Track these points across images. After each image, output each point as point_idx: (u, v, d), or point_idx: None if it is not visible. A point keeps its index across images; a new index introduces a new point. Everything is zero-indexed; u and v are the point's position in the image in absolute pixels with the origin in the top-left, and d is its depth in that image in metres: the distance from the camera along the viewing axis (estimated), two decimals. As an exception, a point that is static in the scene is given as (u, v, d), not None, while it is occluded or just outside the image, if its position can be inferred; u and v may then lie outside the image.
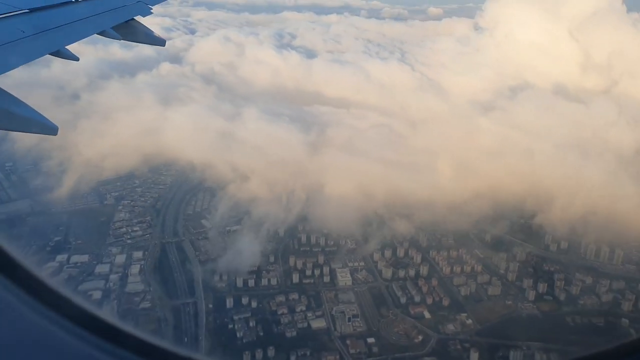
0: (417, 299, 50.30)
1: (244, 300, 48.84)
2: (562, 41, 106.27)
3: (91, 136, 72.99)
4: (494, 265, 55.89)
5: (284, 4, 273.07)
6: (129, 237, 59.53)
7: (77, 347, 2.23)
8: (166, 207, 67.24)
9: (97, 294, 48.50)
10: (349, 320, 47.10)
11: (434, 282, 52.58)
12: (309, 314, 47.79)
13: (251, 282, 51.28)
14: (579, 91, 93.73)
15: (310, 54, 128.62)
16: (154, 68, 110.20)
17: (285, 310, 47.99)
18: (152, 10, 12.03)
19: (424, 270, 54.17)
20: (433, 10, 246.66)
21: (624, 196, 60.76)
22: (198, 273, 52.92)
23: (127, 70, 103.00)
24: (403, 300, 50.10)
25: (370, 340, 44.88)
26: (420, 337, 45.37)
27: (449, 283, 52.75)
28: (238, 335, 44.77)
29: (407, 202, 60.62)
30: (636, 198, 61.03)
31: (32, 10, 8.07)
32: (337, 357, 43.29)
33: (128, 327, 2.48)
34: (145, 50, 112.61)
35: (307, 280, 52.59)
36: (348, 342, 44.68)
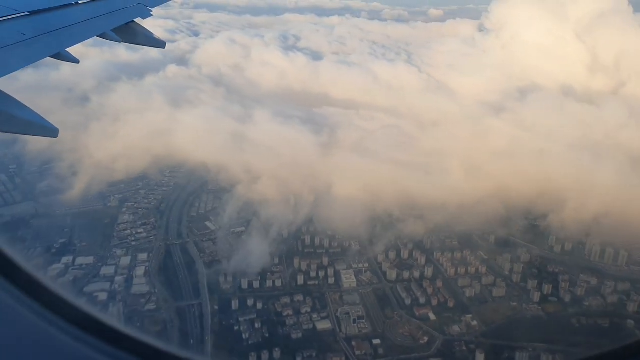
0: (422, 300, 50.32)
1: (249, 302, 48.88)
2: (568, 42, 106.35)
3: (101, 138, 73.45)
4: (498, 267, 55.93)
5: (285, 6, 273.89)
6: (133, 239, 59.67)
7: (76, 349, 2.23)
8: (170, 209, 67.37)
9: (103, 296, 48.71)
10: (354, 321, 47.15)
11: (439, 283, 52.61)
12: (314, 316, 47.85)
13: (256, 284, 51.35)
14: (586, 92, 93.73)
15: (316, 56, 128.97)
16: (161, 70, 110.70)
17: (291, 312, 48.06)
18: (152, 13, 12.07)
19: (428, 271, 54.18)
20: (434, 11, 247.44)
21: (636, 198, 60.57)
22: (203, 275, 52.99)
23: (134, 72, 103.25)
24: (408, 301, 50.13)
25: (376, 341, 44.92)
26: (426, 339, 45.44)
27: (453, 284, 52.75)
28: (244, 336, 44.82)
29: (415, 203, 60.68)
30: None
31: (32, 13, 8.09)
32: (343, 358, 43.33)
33: (128, 329, 2.48)
34: (151, 52, 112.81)
35: (312, 282, 52.65)
36: (353, 343, 44.72)
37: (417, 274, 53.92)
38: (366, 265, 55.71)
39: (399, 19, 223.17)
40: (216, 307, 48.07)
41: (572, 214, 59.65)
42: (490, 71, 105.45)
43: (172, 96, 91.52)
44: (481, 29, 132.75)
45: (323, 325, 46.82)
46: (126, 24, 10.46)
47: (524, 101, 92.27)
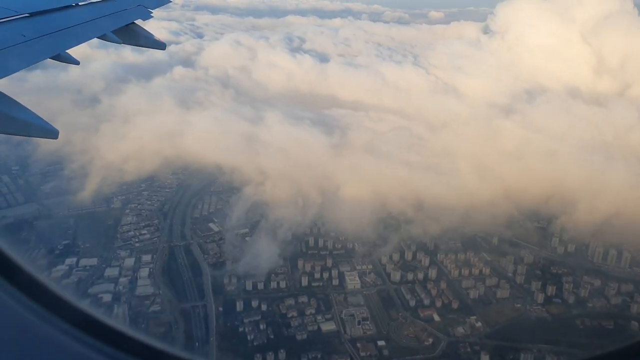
0: (426, 302, 50.37)
1: (254, 303, 48.89)
2: (574, 44, 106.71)
3: (109, 140, 73.53)
4: (501, 268, 55.99)
5: (285, 8, 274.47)
6: (137, 240, 59.64)
7: (78, 351, 2.23)
8: (173, 211, 67.39)
9: (107, 297, 48.67)
10: (359, 323, 47.17)
11: (443, 285, 52.69)
12: (319, 317, 47.85)
13: (260, 285, 51.35)
14: (592, 94, 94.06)
15: (322, 58, 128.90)
16: (168, 72, 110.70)
17: (295, 313, 48.06)
18: (152, 14, 12.12)
19: (432, 273, 54.26)
20: (434, 14, 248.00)
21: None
22: (207, 276, 53.00)
23: (141, 73, 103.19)
24: (412, 303, 50.16)
25: (381, 343, 44.95)
26: (431, 340, 45.45)
27: (457, 286, 52.82)
28: (249, 338, 44.82)
29: (424, 205, 60.67)
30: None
31: (32, 14, 8.08)
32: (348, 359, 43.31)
33: (128, 330, 2.48)
34: (156, 54, 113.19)
35: (316, 284, 52.68)
36: (358, 345, 44.71)
37: (421, 276, 53.98)
38: (370, 266, 55.72)
39: (399, 21, 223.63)
40: (220, 309, 48.05)
41: (582, 215, 59.79)
42: (497, 73, 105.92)
43: (181, 98, 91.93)
44: (486, 31, 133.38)
45: (328, 326, 46.85)
46: (126, 25, 10.53)
47: (532, 103, 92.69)
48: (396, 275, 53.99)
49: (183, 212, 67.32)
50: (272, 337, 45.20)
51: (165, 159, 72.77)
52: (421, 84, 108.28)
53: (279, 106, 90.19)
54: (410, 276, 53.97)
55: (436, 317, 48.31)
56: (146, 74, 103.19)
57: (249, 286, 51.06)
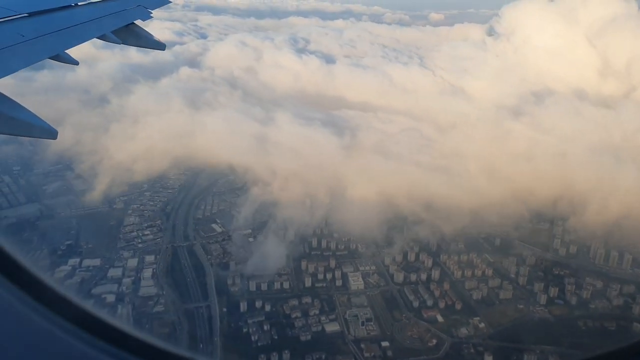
0: (429, 302, 50.48)
1: (257, 304, 48.95)
2: (579, 47, 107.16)
3: (116, 140, 73.64)
4: (504, 269, 56.15)
5: (286, 9, 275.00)
6: (139, 241, 59.64)
7: (80, 349, 2.23)
8: (176, 211, 67.42)
9: (111, 298, 48.67)
10: (363, 324, 47.28)
11: (446, 286, 52.80)
12: (323, 318, 47.93)
13: (264, 286, 51.40)
14: (598, 96, 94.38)
15: (328, 59, 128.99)
16: (174, 72, 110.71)
17: (299, 314, 48.11)
18: (151, 15, 12.12)
19: (435, 274, 54.39)
20: (434, 15, 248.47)
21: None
22: (210, 277, 53.03)
23: (147, 74, 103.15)
24: (416, 304, 50.29)
25: (385, 344, 45.04)
26: (434, 341, 45.57)
27: (460, 287, 52.96)
28: (253, 338, 44.86)
29: (431, 206, 60.76)
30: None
31: (31, 14, 8.07)
32: (352, 360, 43.42)
33: (131, 329, 2.49)
34: (162, 54, 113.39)
35: (320, 284, 52.75)
36: (362, 345, 44.84)
37: (424, 277, 54.11)
38: (373, 267, 55.85)
39: (400, 23, 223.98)
40: (224, 309, 48.09)
41: (591, 216, 60.02)
42: (504, 75, 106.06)
43: (189, 98, 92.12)
44: (490, 33, 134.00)
45: (331, 327, 46.93)
46: (126, 25, 10.52)
47: (540, 105, 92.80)
48: (399, 276, 54.11)
49: (186, 212, 67.35)
50: (276, 337, 45.24)
51: (174, 160, 72.95)
52: (428, 86, 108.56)
53: (288, 107, 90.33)
54: (413, 277, 54.09)
55: (439, 318, 48.43)
56: (152, 74, 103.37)
57: (252, 287, 51.10)
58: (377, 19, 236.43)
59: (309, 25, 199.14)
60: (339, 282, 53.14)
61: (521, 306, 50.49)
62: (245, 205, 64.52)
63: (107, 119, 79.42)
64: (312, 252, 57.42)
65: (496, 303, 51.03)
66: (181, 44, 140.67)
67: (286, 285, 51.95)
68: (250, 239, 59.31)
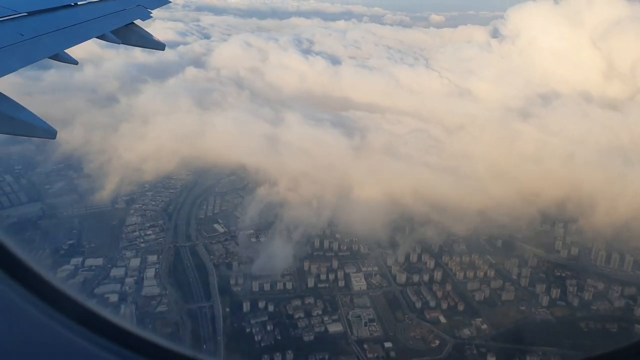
0: (432, 303, 50.59)
1: (260, 304, 49.01)
2: (584, 49, 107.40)
3: (121, 140, 73.75)
4: (506, 271, 56.29)
5: (287, 9, 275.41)
6: (142, 240, 59.65)
7: (80, 346, 2.24)
8: (178, 211, 67.45)
9: (114, 297, 48.68)
10: (366, 324, 47.33)
11: (448, 287, 52.94)
12: (326, 318, 47.98)
13: (267, 286, 51.45)
14: (603, 98, 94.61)
15: (333, 60, 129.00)
16: (180, 72, 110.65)
17: (302, 314, 48.16)
18: (151, 15, 12.09)
19: (437, 275, 54.53)
20: (435, 17, 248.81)
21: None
22: (213, 277, 53.07)
23: (154, 74, 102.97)
24: (418, 305, 50.39)
25: (388, 344, 45.11)
26: (437, 342, 45.67)
27: (462, 288, 53.10)
28: (256, 338, 44.91)
29: (437, 207, 60.81)
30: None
31: (31, 13, 8.05)
32: (355, 361, 43.51)
33: (130, 326, 2.50)
34: (167, 54, 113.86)
35: (322, 285, 52.83)
36: (365, 346, 44.90)
37: (426, 278, 54.24)
38: (375, 268, 55.95)
39: (401, 24, 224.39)
40: (227, 309, 48.14)
41: (600, 217, 60.09)
42: (510, 76, 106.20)
43: (197, 98, 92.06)
44: (495, 34, 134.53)
45: (334, 327, 46.99)
46: (125, 25, 10.49)
47: (547, 106, 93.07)
48: (402, 277, 54.23)
49: (188, 212, 67.37)
50: (279, 337, 45.31)
51: (182, 160, 73.07)
52: (435, 87, 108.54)
53: (296, 107, 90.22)
54: (415, 278, 54.21)
55: (442, 319, 48.53)
56: (158, 74, 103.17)
57: (255, 287, 51.12)
58: (377, 20, 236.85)
59: (311, 26, 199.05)
60: (341, 283, 53.22)
61: (523, 307, 50.61)
62: (249, 205, 64.67)
63: (113, 119, 79.55)
64: (315, 253, 57.43)
65: (498, 304, 51.16)
66: (185, 44, 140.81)
67: (289, 285, 52.02)
68: (253, 239, 59.38)
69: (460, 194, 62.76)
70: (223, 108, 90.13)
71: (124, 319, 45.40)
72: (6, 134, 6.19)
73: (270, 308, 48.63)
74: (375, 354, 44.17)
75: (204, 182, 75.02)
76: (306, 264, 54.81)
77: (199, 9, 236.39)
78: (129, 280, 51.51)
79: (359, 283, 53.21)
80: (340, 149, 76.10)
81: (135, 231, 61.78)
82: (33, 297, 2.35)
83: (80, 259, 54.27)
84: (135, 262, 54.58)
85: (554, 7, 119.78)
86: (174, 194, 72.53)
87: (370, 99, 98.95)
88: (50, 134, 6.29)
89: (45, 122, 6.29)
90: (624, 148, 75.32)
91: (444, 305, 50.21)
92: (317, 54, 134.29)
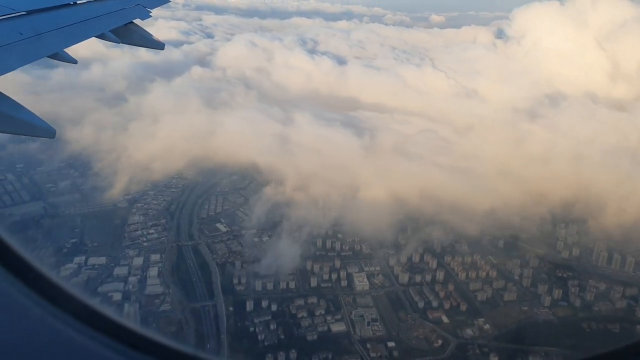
0: (434, 304, 50.76)
1: (264, 304, 49.11)
2: (589, 50, 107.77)
3: (133, 139, 73.86)
4: (507, 271, 56.48)
5: (287, 9, 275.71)
6: (144, 239, 59.72)
7: (81, 343, 2.24)
8: (180, 211, 67.51)
9: (117, 296, 48.74)
10: (369, 324, 47.47)
11: (451, 287, 53.10)
12: (329, 318, 48.12)
13: (270, 286, 51.56)
14: (609, 100, 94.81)
15: (338, 60, 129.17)
16: (185, 71, 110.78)
17: (305, 314, 48.30)
18: (151, 14, 11.99)
19: (440, 275, 54.69)
20: (435, 17, 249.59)
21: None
22: (216, 276, 53.17)
23: (160, 73, 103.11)
24: (421, 305, 50.54)
25: (391, 344, 45.24)
26: (440, 342, 45.83)
27: (465, 288, 53.26)
28: (259, 337, 45.01)
29: (443, 207, 60.95)
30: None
31: (30, 12, 8.04)
32: (359, 360, 43.63)
33: (131, 324, 2.49)
34: (172, 53, 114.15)
35: (325, 285, 52.97)
36: (368, 345, 45.02)
37: (428, 278, 54.39)
38: (378, 268, 56.10)
39: (401, 24, 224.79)
40: (231, 308, 48.22)
41: (610, 218, 60.27)
42: (516, 77, 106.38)
43: (205, 98, 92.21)
44: (500, 35, 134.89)
45: (338, 327, 47.13)
46: (125, 25, 10.46)
47: (555, 107, 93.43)
48: (404, 277, 54.37)
49: (190, 212, 67.43)
50: (282, 337, 45.41)
51: (190, 160, 73.10)
52: (442, 87, 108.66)
53: (305, 107, 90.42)
54: (418, 278, 54.37)
55: (445, 319, 48.69)
56: (164, 73, 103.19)
57: (258, 286, 51.23)
58: (377, 20, 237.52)
59: (313, 26, 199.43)
60: (344, 283, 53.38)
61: (525, 308, 50.79)
62: (252, 205, 64.76)
63: (121, 118, 79.91)
64: (318, 253, 57.57)
65: (501, 304, 51.32)
66: (189, 43, 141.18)
67: (292, 285, 52.11)
68: (256, 239, 59.49)
69: (468, 194, 62.88)
70: (232, 108, 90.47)
71: (127, 317, 45.55)
72: (6, 133, 6.20)
73: (274, 307, 48.72)
74: (379, 354, 44.31)
75: (206, 182, 75.05)
76: (309, 264, 54.94)
77: (199, 8, 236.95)
78: (132, 279, 51.57)
79: (361, 283, 53.37)
80: (350, 148, 76.34)
81: (137, 230, 61.86)
82: (34, 295, 2.35)
83: (83, 258, 54.34)
84: (138, 261, 54.65)
85: (559, 8, 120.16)
86: (176, 193, 72.58)
87: (378, 99, 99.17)
88: (50, 133, 6.28)
89: (45, 122, 6.29)
90: (632, 149, 75.34)
91: (447, 305, 50.38)
92: (323, 54, 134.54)
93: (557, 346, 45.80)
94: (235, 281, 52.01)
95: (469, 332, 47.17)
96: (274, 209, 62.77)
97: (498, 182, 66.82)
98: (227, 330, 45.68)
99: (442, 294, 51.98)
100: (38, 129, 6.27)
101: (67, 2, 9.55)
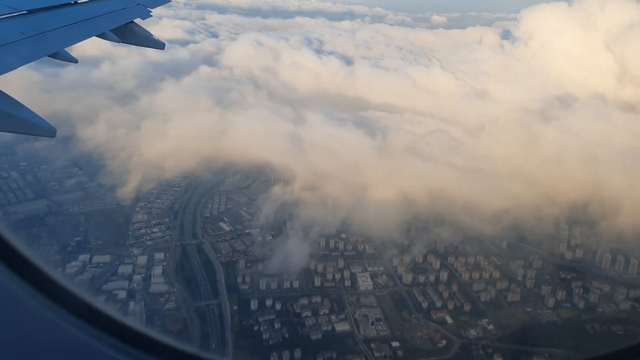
0: (438, 304, 50.81)
1: (268, 302, 49.20)
2: (597, 52, 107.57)
3: (152, 137, 73.95)
4: (511, 272, 56.55)
5: (288, 8, 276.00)
6: (148, 238, 59.81)
7: (81, 341, 2.24)
8: (183, 209, 67.63)
9: (122, 294, 48.86)
10: (373, 323, 47.56)
11: (454, 287, 53.17)
12: (333, 317, 48.20)
13: (273, 285, 51.66)
14: (618, 101, 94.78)
15: (345, 60, 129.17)
16: (193, 71, 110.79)
17: (309, 313, 48.36)
18: (151, 14, 11.96)
19: (443, 275, 54.77)
20: (437, 18, 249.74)
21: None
22: (220, 275, 53.25)
23: (169, 72, 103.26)
24: (424, 305, 50.60)
25: (395, 344, 45.32)
26: (444, 342, 45.89)
27: (468, 289, 53.33)
28: (264, 336, 45.10)
29: (451, 208, 61.03)
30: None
31: (30, 12, 8.06)
32: (363, 360, 43.72)
33: (132, 322, 2.51)
34: (179, 52, 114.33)
35: (329, 284, 53.04)
36: (372, 345, 45.10)
37: (432, 278, 54.46)
38: (381, 268, 56.19)
39: (402, 25, 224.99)
40: (235, 307, 48.31)
41: (625, 219, 60.19)
42: (525, 78, 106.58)
43: (215, 97, 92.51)
44: (507, 36, 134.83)
45: (342, 326, 47.20)
46: (125, 24, 10.45)
47: (567, 109, 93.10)
48: (408, 277, 54.44)
49: (193, 211, 67.55)
50: (287, 336, 45.49)
51: (205, 158, 73.24)
52: (451, 88, 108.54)
53: (315, 107, 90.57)
54: (421, 278, 54.42)
55: (449, 319, 48.74)
56: (173, 72, 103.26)
57: (262, 285, 51.32)
58: (378, 20, 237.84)
59: (317, 25, 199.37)
60: (347, 282, 53.46)
61: (529, 309, 50.83)
62: (258, 203, 64.86)
63: (129, 116, 79.96)
64: (322, 252, 57.63)
65: (504, 305, 51.38)
66: (194, 42, 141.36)
67: (296, 284, 52.19)
68: (260, 238, 59.58)
69: (479, 194, 62.82)
70: (243, 107, 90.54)
71: (132, 315, 45.68)
72: (6, 132, 6.17)
73: (278, 306, 48.80)
74: (383, 353, 44.38)
75: (210, 181, 75.14)
76: (312, 263, 55.00)
77: (200, 7, 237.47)
78: (136, 277, 51.72)
79: (365, 283, 53.43)
80: (362, 148, 76.41)
81: (141, 229, 61.98)
82: (35, 293, 2.34)
83: (88, 256, 54.46)
84: (142, 260, 54.78)
85: (567, 9, 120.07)
86: (179, 192, 72.71)
87: (387, 99, 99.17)
88: (50, 132, 6.26)
89: (45, 120, 6.25)
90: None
91: (450, 306, 50.45)
92: (329, 54, 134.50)
93: (561, 347, 45.82)
94: (239, 280, 52.09)
95: (472, 332, 47.24)
96: (279, 208, 62.91)
97: (509, 182, 66.73)
98: (232, 329, 45.76)
99: (445, 295, 52.05)
100: (38, 128, 6.24)
101: (68, 2, 9.57)
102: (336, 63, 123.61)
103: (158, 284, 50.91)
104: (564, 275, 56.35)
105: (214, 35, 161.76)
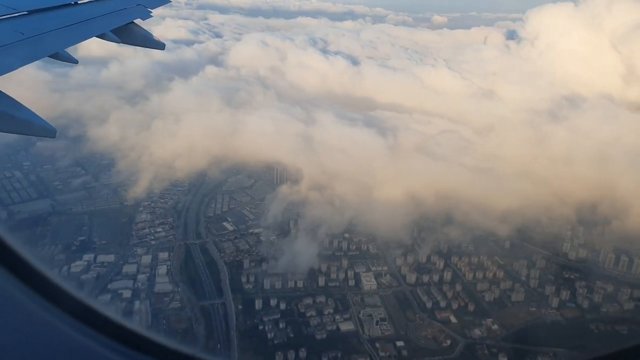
0: (442, 304, 50.90)
1: (272, 302, 49.26)
2: (604, 52, 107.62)
3: (162, 137, 74.03)
4: (515, 272, 56.61)
5: (288, 8, 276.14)
6: (152, 238, 59.90)
7: (79, 343, 2.24)
8: (187, 209, 67.70)
9: (127, 294, 48.92)
10: (377, 323, 47.61)
11: (458, 287, 53.24)
12: (337, 317, 48.26)
13: (278, 284, 51.72)
14: (624, 102, 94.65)
15: (352, 60, 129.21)
16: (200, 71, 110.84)
17: (314, 313, 48.43)
18: (151, 14, 11.96)
19: (447, 275, 54.82)
20: (438, 18, 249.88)
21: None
22: (224, 274, 53.32)
23: (176, 72, 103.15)
24: (429, 304, 50.68)
25: (399, 343, 45.40)
26: (449, 342, 45.95)
27: (472, 289, 53.38)
28: (269, 336, 45.16)
29: (458, 208, 61.12)
30: None
31: (31, 12, 8.09)
32: (368, 359, 43.74)
33: (130, 324, 2.49)
34: (185, 52, 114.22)
35: (333, 284, 53.11)
36: (377, 345, 45.17)
37: (436, 278, 54.52)
38: (385, 268, 56.26)
39: (402, 25, 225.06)
40: (240, 307, 48.38)
41: (635, 219, 60.17)
42: (531, 78, 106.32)
43: (224, 97, 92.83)
44: (512, 36, 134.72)
45: (346, 326, 47.26)
46: (125, 24, 10.43)
47: (576, 109, 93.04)
48: (412, 277, 54.50)
49: (197, 210, 67.62)
50: (291, 335, 45.56)
51: (216, 158, 73.38)
52: (458, 88, 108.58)
53: (324, 107, 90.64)
54: (425, 278, 54.49)
55: (453, 319, 48.84)
56: (180, 72, 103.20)
57: (266, 285, 51.39)
58: (380, 20, 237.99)
59: (320, 25, 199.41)
60: (351, 282, 53.53)
61: (533, 309, 50.90)
62: (264, 203, 64.93)
63: (139, 116, 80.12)
64: (325, 252, 57.69)
65: (508, 305, 51.45)
66: (199, 42, 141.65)
67: (300, 284, 52.25)
68: (263, 238, 59.64)
69: (488, 194, 62.80)
70: (253, 107, 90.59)
71: (134, 315, 45.73)
72: (6, 132, 6.12)
73: (282, 306, 48.87)
74: (388, 353, 44.44)
75: (213, 180, 75.21)
76: (317, 263, 55.06)
77: (201, 7, 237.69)
78: (141, 276, 51.79)
79: (369, 282, 53.49)
80: (372, 148, 76.51)
81: (145, 228, 62.03)
82: (34, 294, 2.33)
83: (92, 255, 54.57)
84: (146, 259, 54.86)
85: (573, 9, 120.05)
86: (182, 191, 72.79)
87: (395, 99, 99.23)
88: (50, 132, 6.25)
89: (45, 121, 6.25)
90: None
91: (454, 306, 50.52)
92: (335, 53, 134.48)
93: (565, 347, 45.90)
94: (243, 280, 52.16)
95: (477, 332, 47.31)
96: (285, 208, 62.97)
97: (518, 183, 66.71)
98: (237, 328, 45.82)
99: (449, 294, 52.13)
100: (38, 128, 6.23)
101: (68, 2, 9.58)
102: (343, 63, 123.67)
103: (162, 284, 51.00)
104: (567, 275, 56.43)
105: (218, 35, 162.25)
